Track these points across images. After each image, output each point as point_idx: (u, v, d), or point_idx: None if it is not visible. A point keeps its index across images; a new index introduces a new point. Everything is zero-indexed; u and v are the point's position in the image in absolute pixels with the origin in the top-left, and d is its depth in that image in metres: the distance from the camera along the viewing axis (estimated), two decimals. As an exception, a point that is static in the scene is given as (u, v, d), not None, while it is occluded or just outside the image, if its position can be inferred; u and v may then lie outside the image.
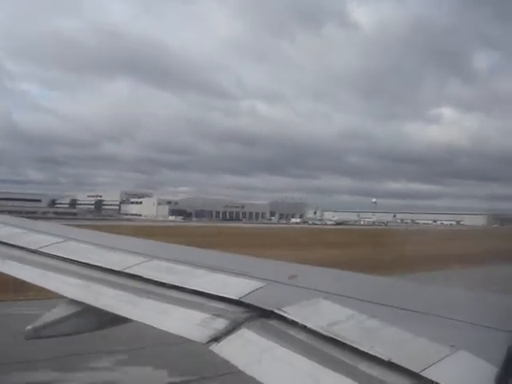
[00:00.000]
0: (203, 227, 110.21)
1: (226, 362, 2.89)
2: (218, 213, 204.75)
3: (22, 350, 11.47)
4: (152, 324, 3.54)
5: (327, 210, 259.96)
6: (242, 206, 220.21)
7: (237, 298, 3.48)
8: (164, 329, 3.45)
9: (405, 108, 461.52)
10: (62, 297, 4.38)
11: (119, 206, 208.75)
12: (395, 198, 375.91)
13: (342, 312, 3.13)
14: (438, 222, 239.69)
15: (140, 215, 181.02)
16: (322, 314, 3.13)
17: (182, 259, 4.67)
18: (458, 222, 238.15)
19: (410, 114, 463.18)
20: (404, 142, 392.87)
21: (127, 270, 4.43)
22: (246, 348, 2.96)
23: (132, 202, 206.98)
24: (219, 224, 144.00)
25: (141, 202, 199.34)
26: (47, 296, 6.26)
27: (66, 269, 4.85)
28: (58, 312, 4.21)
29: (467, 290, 4.51)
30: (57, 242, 5.69)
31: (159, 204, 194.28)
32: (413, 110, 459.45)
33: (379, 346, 2.62)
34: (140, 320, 3.68)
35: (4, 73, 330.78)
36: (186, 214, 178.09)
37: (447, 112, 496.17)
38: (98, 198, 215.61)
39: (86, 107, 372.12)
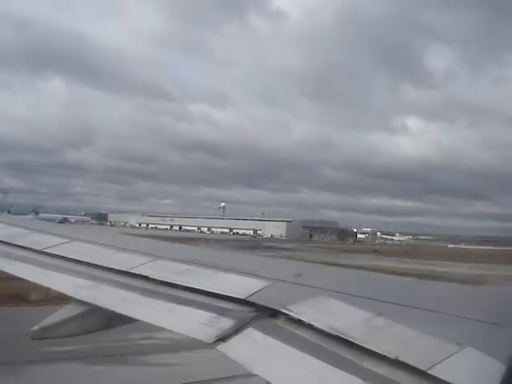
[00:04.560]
0: None
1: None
2: None
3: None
4: (158, 324, 3.54)
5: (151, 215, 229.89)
6: None
7: (243, 298, 3.48)
8: (170, 328, 3.45)
9: (361, 115, 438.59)
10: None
11: None
12: (376, 214, 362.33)
13: (347, 310, 3.12)
14: (239, 231, 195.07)
15: None
16: (328, 312, 3.13)
17: (187, 259, 4.68)
18: (255, 232, 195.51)
19: (368, 122, 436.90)
20: (371, 153, 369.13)
21: (133, 270, 4.43)
22: (252, 347, 2.96)
23: None
24: None
25: None
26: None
27: (72, 269, 4.85)
28: (65, 312, 4.22)
29: (474, 286, 4.50)
30: (62, 243, 5.71)
31: None
32: (368, 118, 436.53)
33: (386, 344, 2.62)
34: (146, 320, 3.68)
35: None
36: None
37: (407, 120, 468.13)
38: None
39: (32, 109, 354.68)
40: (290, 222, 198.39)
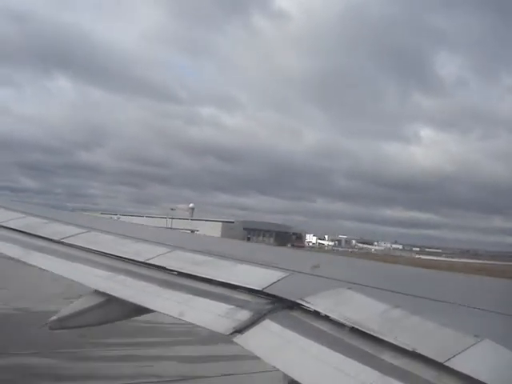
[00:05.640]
0: None
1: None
2: None
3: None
4: (175, 315, 3.55)
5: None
6: None
7: (260, 289, 3.47)
8: (187, 320, 3.46)
9: (371, 123, 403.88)
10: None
11: None
12: (390, 226, 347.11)
13: (364, 302, 3.11)
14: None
15: None
16: (345, 304, 3.12)
17: (204, 250, 4.68)
18: (193, 231, 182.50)
19: (378, 130, 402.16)
20: (382, 162, 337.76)
21: (150, 261, 4.45)
22: (269, 339, 2.97)
23: None
24: None
25: None
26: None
27: (89, 259, 4.89)
28: (83, 303, 4.25)
29: (491, 278, 4.46)
30: (80, 233, 5.75)
31: None
32: (378, 127, 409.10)
33: (403, 336, 2.61)
34: (163, 311, 3.69)
35: None
36: None
37: (419, 129, 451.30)
38: None
39: (43, 108, 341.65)
40: (231, 222, 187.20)
